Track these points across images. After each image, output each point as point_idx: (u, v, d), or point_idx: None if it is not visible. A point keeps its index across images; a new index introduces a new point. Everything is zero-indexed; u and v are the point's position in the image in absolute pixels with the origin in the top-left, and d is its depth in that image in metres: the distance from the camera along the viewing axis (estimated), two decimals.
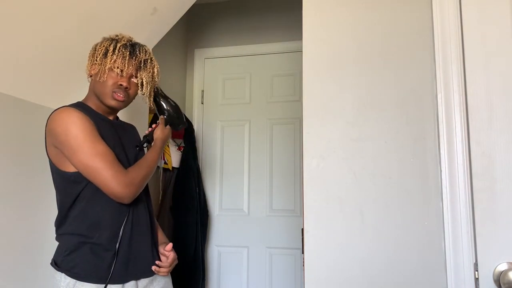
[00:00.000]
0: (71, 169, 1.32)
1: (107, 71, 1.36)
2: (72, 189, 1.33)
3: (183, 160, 2.71)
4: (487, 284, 1.12)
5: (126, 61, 1.37)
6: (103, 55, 1.36)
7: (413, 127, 1.24)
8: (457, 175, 1.18)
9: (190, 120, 2.93)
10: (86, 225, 1.32)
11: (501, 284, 1.09)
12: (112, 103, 1.39)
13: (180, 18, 2.17)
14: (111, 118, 1.47)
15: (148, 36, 2.03)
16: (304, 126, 1.31)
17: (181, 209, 2.62)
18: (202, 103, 3.06)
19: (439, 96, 1.22)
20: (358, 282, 1.21)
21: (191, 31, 3.15)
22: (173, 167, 2.65)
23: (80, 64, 1.61)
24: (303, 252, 1.28)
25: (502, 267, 1.11)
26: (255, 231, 2.83)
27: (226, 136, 2.99)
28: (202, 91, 3.07)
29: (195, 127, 2.98)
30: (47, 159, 1.37)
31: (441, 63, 1.23)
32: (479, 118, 1.18)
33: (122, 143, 1.44)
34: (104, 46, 1.38)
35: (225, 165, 2.96)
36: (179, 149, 2.73)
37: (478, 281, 1.13)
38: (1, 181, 1.58)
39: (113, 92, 1.38)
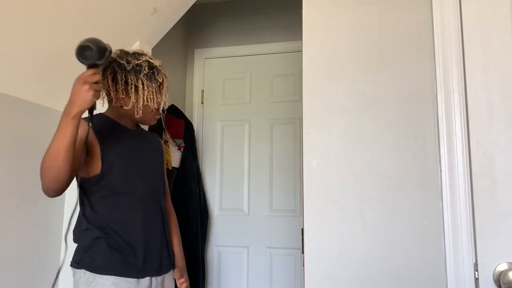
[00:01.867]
0: (85, 174, 1.40)
1: (141, 106, 1.41)
2: (80, 193, 1.40)
3: (183, 160, 2.71)
4: (487, 284, 1.12)
5: (155, 94, 1.43)
6: (135, 91, 1.40)
7: (413, 127, 1.24)
8: (457, 175, 1.18)
9: (190, 120, 2.93)
10: (100, 228, 1.38)
11: (501, 284, 1.09)
12: (154, 123, 1.53)
13: (180, 18, 2.17)
14: (130, 127, 1.51)
15: (148, 36, 2.04)
16: (304, 126, 1.31)
17: (181, 209, 2.62)
18: (202, 103, 3.06)
19: (439, 96, 1.22)
20: (358, 281, 1.21)
21: (191, 31, 3.15)
22: (173, 167, 2.65)
23: (79, 64, 1.61)
24: (303, 252, 1.28)
25: (502, 267, 1.11)
26: (255, 231, 2.83)
27: (226, 136, 2.99)
28: (202, 91, 3.07)
29: (195, 127, 2.98)
30: None
31: (441, 63, 1.23)
32: (479, 118, 1.18)
33: (140, 150, 1.50)
34: (131, 80, 1.39)
35: (225, 165, 2.96)
36: (179, 149, 2.73)
37: (478, 281, 1.13)
38: (0, 181, 1.58)
39: (154, 117, 1.50)
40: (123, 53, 1.44)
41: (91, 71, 1.19)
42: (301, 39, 1.36)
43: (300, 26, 1.36)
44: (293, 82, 2.92)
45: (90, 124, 1.26)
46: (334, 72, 1.31)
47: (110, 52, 1.23)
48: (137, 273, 1.38)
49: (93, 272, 1.34)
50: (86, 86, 1.17)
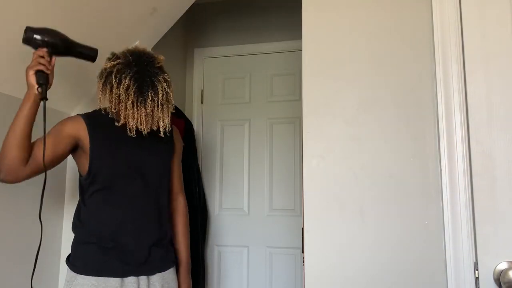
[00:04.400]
0: (81, 172, 1.45)
1: (130, 127, 1.39)
2: (79, 188, 1.46)
3: (182, 160, 2.70)
4: (487, 283, 1.12)
5: (145, 119, 1.37)
6: (124, 109, 1.36)
7: (413, 126, 1.24)
8: (457, 174, 1.18)
9: (190, 119, 2.93)
10: (88, 226, 1.40)
11: (501, 283, 1.09)
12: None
13: (180, 18, 2.17)
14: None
15: (148, 35, 2.03)
16: (304, 125, 1.31)
17: None
18: (202, 103, 3.06)
19: (439, 95, 1.22)
20: (358, 281, 1.21)
21: (190, 31, 3.14)
22: None
23: (79, 64, 1.61)
24: (303, 252, 1.28)
25: (502, 266, 1.11)
26: (255, 230, 2.83)
27: (226, 135, 2.99)
28: (202, 90, 3.07)
29: (195, 126, 2.98)
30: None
31: (441, 62, 1.23)
32: (479, 117, 1.18)
33: (139, 147, 1.48)
34: (123, 98, 1.35)
35: (225, 165, 2.95)
36: None
37: (478, 280, 1.13)
38: None
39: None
40: (125, 67, 1.36)
41: (33, 58, 1.29)
42: (300, 38, 1.37)
43: (300, 26, 1.36)
44: (292, 81, 2.92)
45: (44, 97, 1.27)
46: (334, 72, 1.31)
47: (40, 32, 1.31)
48: (121, 273, 1.38)
49: (75, 272, 1.36)
50: (28, 71, 1.26)
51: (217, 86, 3.06)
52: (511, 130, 1.16)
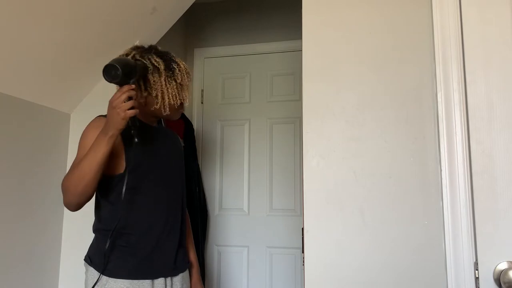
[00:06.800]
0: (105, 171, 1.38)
1: (167, 104, 1.42)
2: (101, 190, 1.40)
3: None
4: (487, 283, 1.12)
5: (177, 92, 1.42)
6: (160, 89, 1.39)
7: (413, 126, 1.24)
8: (457, 174, 1.18)
9: (190, 119, 2.93)
10: (117, 228, 1.36)
11: (502, 283, 1.09)
12: (178, 117, 1.52)
13: (180, 18, 2.17)
14: (152, 124, 1.51)
15: (148, 35, 2.03)
16: (304, 125, 1.31)
17: None
18: (202, 103, 3.07)
19: (439, 95, 1.22)
20: (358, 281, 1.21)
21: (190, 31, 3.15)
22: None
23: (79, 63, 1.61)
24: (303, 252, 1.28)
25: (502, 266, 1.11)
26: (255, 230, 2.83)
27: (226, 135, 2.99)
28: (202, 90, 3.07)
29: (195, 126, 2.98)
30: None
31: (441, 62, 1.23)
32: (479, 117, 1.18)
33: (164, 149, 1.50)
34: (154, 79, 1.38)
35: (225, 165, 2.96)
36: None
37: (478, 280, 1.13)
38: (0, 180, 1.58)
39: (179, 111, 1.49)
40: (144, 52, 1.41)
41: (119, 92, 1.22)
42: (300, 38, 1.37)
43: (300, 26, 1.37)
44: (292, 81, 2.92)
45: (136, 140, 1.27)
46: (334, 72, 1.31)
47: (143, 67, 1.33)
48: (151, 275, 1.38)
49: (106, 275, 1.33)
50: (117, 110, 1.21)
51: (217, 86, 3.06)
52: (511, 130, 1.16)
